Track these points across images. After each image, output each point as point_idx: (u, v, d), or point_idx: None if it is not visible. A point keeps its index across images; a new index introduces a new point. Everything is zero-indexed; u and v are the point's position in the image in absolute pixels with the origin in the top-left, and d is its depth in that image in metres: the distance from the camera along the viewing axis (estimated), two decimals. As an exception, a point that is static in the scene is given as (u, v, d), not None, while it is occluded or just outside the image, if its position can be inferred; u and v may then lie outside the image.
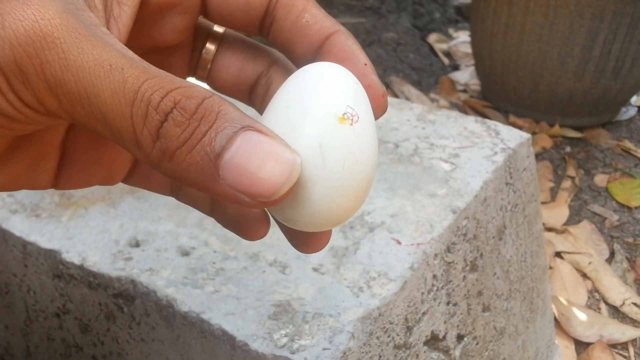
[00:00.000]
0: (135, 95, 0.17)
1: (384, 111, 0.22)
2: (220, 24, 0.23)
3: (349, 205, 0.20)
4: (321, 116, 0.19)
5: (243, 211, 0.23)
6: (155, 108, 0.17)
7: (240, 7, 0.22)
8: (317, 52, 0.22)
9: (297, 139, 0.19)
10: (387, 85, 1.55)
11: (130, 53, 0.18)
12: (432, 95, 1.56)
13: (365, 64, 0.21)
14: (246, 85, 0.25)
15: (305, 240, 0.23)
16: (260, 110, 0.25)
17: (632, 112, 1.54)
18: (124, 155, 0.25)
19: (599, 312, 0.93)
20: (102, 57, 0.17)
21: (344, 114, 0.19)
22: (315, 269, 0.40)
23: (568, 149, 1.38)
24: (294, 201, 0.20)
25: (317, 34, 0.21)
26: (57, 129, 0.23)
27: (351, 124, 0.19)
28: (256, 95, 0.25)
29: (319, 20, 0.22)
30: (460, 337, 0.47)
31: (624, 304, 0.95)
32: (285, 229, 0.24)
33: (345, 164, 0.19)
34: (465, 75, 1.71)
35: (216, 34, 0.25)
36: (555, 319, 0.89)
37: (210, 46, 0.25)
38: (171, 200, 0.47)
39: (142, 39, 0.23)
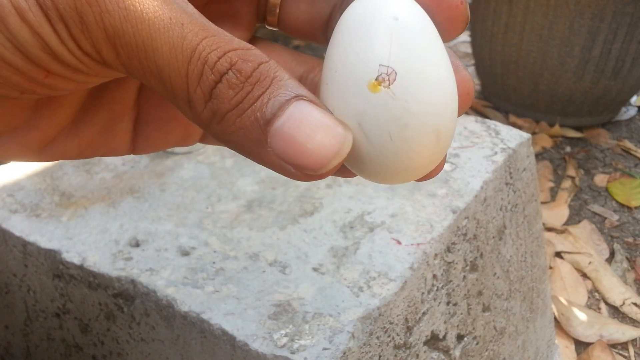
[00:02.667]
0: (192, 53, 0.16)
1: (466, 22, 0.19)
2: None
3: (422, 160, 0.18)
4: (353, 90, 0.17)
5: None
6: (211, 68, 0.16)
7: None
8: None
9: (339, 117, 0.18)
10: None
11: (191, 8, 0.17)
12: (432, 95, 1.56)
13: None
14: (320, 22, 0.23)
15: None
16: None
17: (632, 112, 1.54)
18: None
19: (599, 312, 0.93)
20: (162, 10, 0.16)
21: (377, 78, 0.17)
22: (315, 269, 0.40)
23: (568, 148, 1.38)
24: (360, 171, 0.19)
25: None
26: (128, 88, 0.23)
27: (387, 86, 0.17)
28: (331, 30, 0.23)
29: None
30: (460, 337, 0.47)
31: (624, 304, 0.95)
32: None
33: (392, 133, 0.17)
34: (465, 75, 1.70)
35: None
36: (555, 319, 0.89)
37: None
38: (171, 200, 0.47)
39: None
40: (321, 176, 0.17)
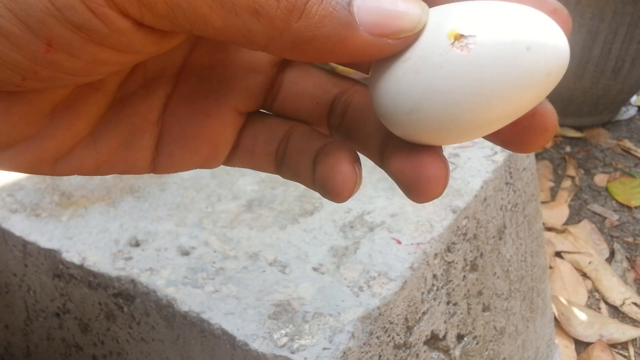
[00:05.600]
0: None
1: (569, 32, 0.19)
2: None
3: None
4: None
5: (333, 171, 0.21)
6: None
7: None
8: None
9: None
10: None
11: None
12: (432, 94, 1.57)
13: None
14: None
15: (415, 187, 0.20)
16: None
17: (632, 111, 1.54)
18: (228, 128, 0.23)
19: (599, 312, 0.94)
20: None
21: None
22: (315, 269, 0.40)
23: (568, 148, 1.38)
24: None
25: None
26: (153, 102, 0.22)
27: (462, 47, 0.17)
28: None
29: None
30: (460, 337, 0.47)
31: (624, 303, 0.95)
32: (398, 176, 0.21)
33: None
34: (465, 75, 1.71)
35: None
36: (555, 319, 0.89)
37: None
38: (171, 199, 0.47)
39: None
40: (416, 35, 0.17)
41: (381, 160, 0.21)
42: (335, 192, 0.21)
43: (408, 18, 0.17)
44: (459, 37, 0.17)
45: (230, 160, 0.24)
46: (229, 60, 0.22)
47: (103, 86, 0.21)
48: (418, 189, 0.19)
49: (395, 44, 0.17)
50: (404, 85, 0.17)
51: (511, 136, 0.20)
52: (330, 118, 0.23)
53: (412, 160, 0.19)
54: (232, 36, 0.16)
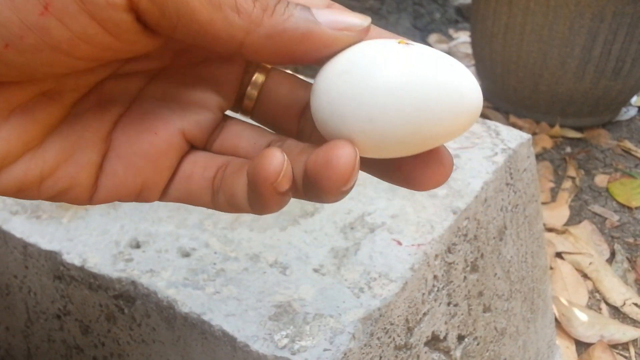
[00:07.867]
0: None
1: None
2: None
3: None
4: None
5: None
6: None
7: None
8: None
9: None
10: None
11: None
12: (433, 95, 1.56)
13: None
14: (296, 110, 0.24)
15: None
16: (310, 138, 0.24)
17: (633, 112, 1.54)
18: (173, 151, 0.24)
19: (600, 313, 0.93)
20: None
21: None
22: (315, 270, 0.40)
23: (568, 149, 1.38)
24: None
25: None
26: (105, 119, 0.23)
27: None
28: (306, 119, 0.24)
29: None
30: (461, 338, 0.47)
31: (624, 304, 0.95)
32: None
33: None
34: (466, 76, 1.70)
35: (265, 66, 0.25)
36: (556, 320, 0.89)
37: (260, 76, 0.25)
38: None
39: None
40: (367, 30, 0.21)
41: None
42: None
43: (357, 21, 0.20)
44: (404, 43, 0.20)
45: (167, 190, 0.25)
46: (182, 97, 0.24)
47: (61, 98, 0.21)
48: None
49: (354, 36, 0.20)
50: (338, 84, 0.20)
51: (412, 170, 0.22)
52: None
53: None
54: (214, 30, 0.19)
